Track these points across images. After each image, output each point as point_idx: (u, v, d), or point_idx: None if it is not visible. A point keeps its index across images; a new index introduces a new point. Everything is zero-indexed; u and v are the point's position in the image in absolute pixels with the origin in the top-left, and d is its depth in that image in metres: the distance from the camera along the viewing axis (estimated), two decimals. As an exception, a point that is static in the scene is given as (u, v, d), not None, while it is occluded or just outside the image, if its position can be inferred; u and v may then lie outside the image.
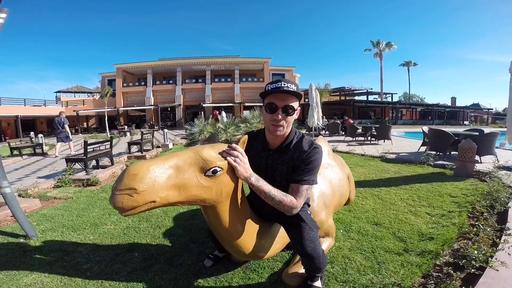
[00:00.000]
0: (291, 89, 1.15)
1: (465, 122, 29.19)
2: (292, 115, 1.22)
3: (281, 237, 1.56)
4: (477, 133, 6.03)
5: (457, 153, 5.62)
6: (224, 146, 1.17)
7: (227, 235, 1.30)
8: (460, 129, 8.99)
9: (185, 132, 12.42)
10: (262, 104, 1.28)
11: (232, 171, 1.15)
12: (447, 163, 4.87)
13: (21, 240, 2.26)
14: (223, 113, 14.38)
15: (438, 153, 5.89)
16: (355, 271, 1.69)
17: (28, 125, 21.40)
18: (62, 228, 2.50)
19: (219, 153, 1.13)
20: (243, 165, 1.13)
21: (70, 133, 8.23)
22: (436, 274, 1.66)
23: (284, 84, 1.16)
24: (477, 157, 4.38)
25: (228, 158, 1.12)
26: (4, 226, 2.63)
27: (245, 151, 1.21)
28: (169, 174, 0.98)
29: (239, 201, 1.30)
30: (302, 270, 1.51)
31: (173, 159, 1.03)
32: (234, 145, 1.15)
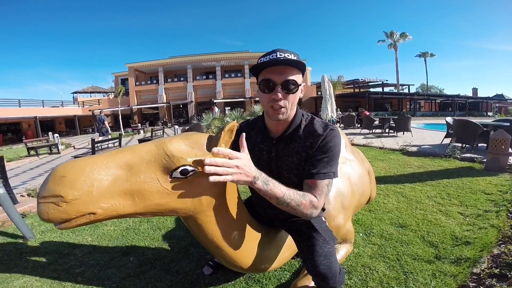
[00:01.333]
0: (290, 59, 0.86)
1: (489, 113, 27.48)
2: (295, 92, 0.92)
3: (290, 245, 1.31)
4: (508, 124, 5.53)
5: (485, 145, 5.22)
6: (203, 137, 0.89)
7: (217, 250, 1.02)
8: (486, 120, 8.37)
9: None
10: None
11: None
12: (476, 156, 4.44)
13: (19, 241, 2.22)
14: (216, 109, 14.78)
15: (463, 145, 5.44)
16: (377, 283, 1.44)
17: (47, 125, 22.24)
18: (62, 229, 2.41)
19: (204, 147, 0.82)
20: (240, 170, 0.78)
21: (109, 128, 9.75)
22: (473, 284, 1.41)
23: (280, 54, 0.87)
24: (510, 150, 3.94)
25: (210, 171, 0.74)
26: (7, 226, 2.59)
27: (236, 144, 0.90)
28: (116, 176, 0.73)
29: (233, 206, 1.02)
30: (313, 283, 1.28)
31: (124, 154, 0.77)
32: (215, 149, 0.78)
